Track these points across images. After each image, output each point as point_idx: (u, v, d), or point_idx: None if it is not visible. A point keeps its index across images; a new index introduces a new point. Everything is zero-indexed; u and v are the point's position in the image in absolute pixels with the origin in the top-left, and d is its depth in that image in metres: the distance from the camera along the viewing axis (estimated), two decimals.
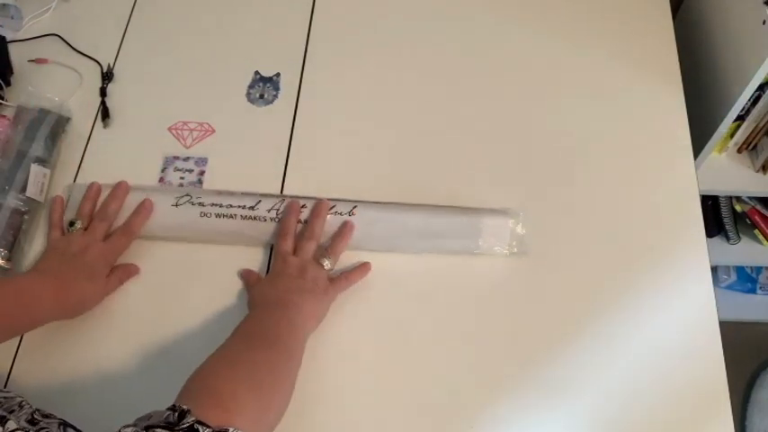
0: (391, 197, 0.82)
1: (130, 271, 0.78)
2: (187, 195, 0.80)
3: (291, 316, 0.69)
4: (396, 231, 0.79)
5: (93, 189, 0.81)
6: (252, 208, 0.79)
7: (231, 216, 0.79)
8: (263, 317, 0.69)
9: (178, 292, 0.78)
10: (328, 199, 0.80)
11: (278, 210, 0.79)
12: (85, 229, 0.78)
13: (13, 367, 0.74)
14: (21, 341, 0.75)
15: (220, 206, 0.79)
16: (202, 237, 0.80)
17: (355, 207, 0.79)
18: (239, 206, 0.79)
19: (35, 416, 0.55)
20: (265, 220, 0.79)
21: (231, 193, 0.81)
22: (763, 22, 0.94)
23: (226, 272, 0.78)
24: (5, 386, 0.73)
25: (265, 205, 0.79)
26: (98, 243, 0.76)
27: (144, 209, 0.80)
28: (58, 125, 0.87)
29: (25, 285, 0.71)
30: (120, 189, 0.81)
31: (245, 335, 0.66)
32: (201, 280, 0.78)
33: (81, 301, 0.73)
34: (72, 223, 0.78)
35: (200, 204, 0.79)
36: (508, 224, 0.79)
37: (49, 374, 0.74)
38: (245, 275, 0.78)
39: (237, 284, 0.77)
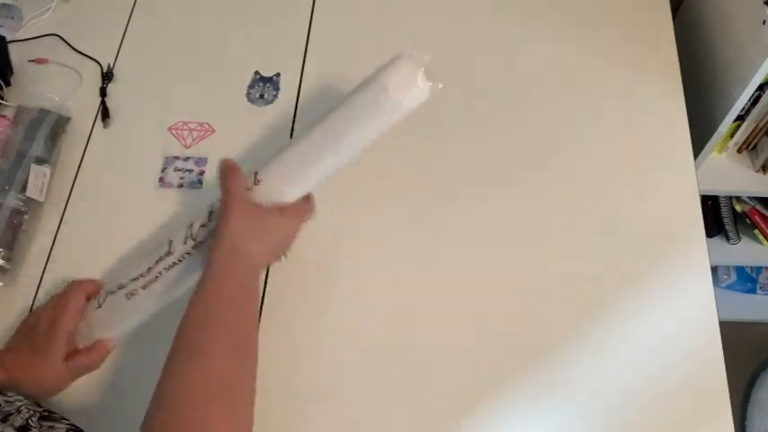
0: (390, 194, 0.82)
1: (98, 352, 0.67)
2: (104, 291, 0.70)
3: (258, 286, 0.63)
4: (306, 157, 0.69)
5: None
6: (168, 254, 0.68)
7: (157, 276, 0.68)
8: (242, 291, 0.61)
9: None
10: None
11: (193, 237, 0.68)
12: None
13: None
14: None
15: (140, 277, 0.68)
16: (149, 311, 0.69)
17: (257, 174, 0.69)
18: (156, 260, 0.69)
19: (30, 421, 0.54)
20: (189, 254, 0.68)
21: (139, 256, 0.72)
22: (763, 22, 0.94)
23: None
24: None
25: (178, 242, 0.69)
26: (47, 309, 0.68)
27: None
28: (58, 125, 0.87)
29: None
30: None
31: (219, 323, 0.58)
32: None
33: (36, 382, 0.64)
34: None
35: (120, 287, 0.68)
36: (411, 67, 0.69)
37: None
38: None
39: None
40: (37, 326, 0.67)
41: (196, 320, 0.58)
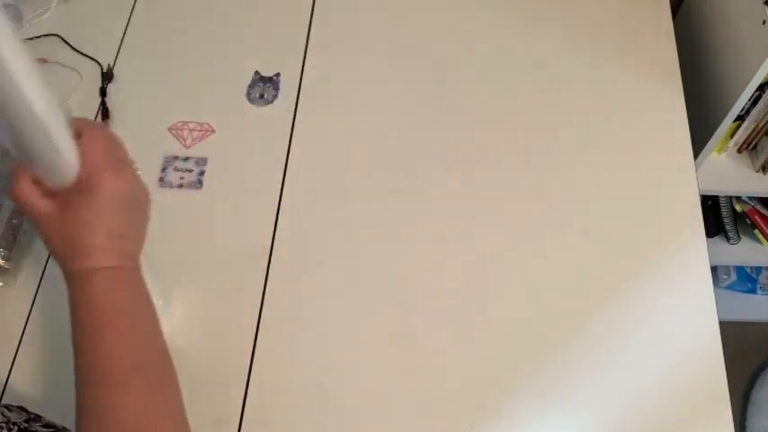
0: (388, 193, 0.82)
1: None
2: None
3: (138, 286, 0.52)
4: None
5: None
6: None
7: None
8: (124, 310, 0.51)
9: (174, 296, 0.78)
10: None
11: None
12: None
13: (12, 371, 0.74)
14: (19, 345, 0.75)
15: None
16: None
17: None
18: None
19: None
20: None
21: None
22: (763, 22, 0.94)
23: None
24: (4, 388, 0.73)
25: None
26: None
27: None
28: None
29: None
30: None
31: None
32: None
33: None
34: None
35: None
36: None
37: (47, 377, 0.74)
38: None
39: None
40: None
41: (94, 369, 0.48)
